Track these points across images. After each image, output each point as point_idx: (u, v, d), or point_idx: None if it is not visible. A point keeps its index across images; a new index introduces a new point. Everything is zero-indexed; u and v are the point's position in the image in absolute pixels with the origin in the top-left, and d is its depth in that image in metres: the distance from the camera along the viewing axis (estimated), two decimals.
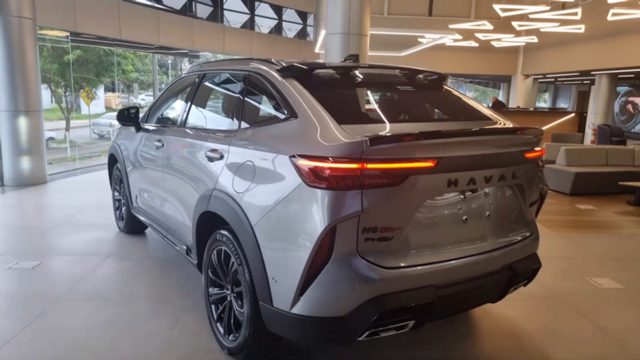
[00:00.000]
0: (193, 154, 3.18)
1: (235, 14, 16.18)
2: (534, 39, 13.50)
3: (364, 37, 7.31)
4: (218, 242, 2.77)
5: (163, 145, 3.69)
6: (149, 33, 10.75)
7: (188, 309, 3.36)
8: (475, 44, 14.27)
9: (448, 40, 13.18)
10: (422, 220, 2.26)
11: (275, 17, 18.29)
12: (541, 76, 19.13)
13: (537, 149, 2.78)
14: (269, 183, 2.38)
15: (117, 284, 3.84)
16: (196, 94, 3.54)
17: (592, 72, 16.21)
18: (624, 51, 12.97)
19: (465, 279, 2.42)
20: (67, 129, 21.14)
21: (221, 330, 2.82)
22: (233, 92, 3.17)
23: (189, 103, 3.57)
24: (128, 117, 4.24)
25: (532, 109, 14.78)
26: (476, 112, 3.01)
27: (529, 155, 2.62)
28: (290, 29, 19.05)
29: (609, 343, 3.07)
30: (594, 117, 17.29)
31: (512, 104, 18.31)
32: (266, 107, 2.76)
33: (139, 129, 4.29)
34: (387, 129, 2.40)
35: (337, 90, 2.79)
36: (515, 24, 11.41)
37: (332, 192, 2.09)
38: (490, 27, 11.42)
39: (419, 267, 2.27)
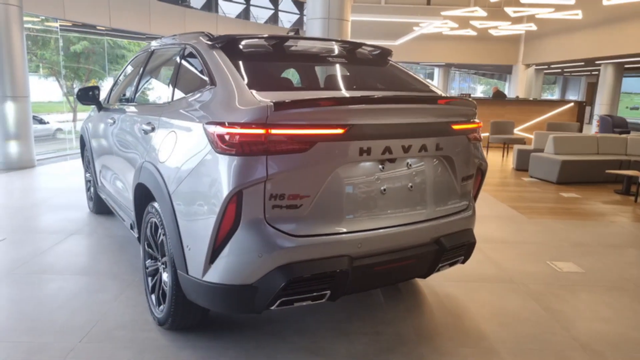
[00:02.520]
0: (134, 128, 3.20)
1: (231, 4, 16.18)
2: (532, 27, 13.26)
3: (345, 22, 7.26)
4: (150, 214, 2.79)
5: (115, 122, 3.72)
6: (139, 22, 10.80)
7: (134, 283, 3.38)
8: (473, 33, 14.07)
9: (445, 28, 13.01)
10: (334, 188, 2.24)
11: (272, 7, 18.26)
12: (545, 66, 18.82)
13: (474, 121, 2.74)
14: (186, 151, 2.38)
15: (73, 259, 3.88)
16: (144, 71, 3.56)
17: (597, 62, 15.91)
18: (628, 38, 12.67)
19: (384, 250, 2.40)
20: (74, 120, 21.42)
21: (154, 301, 2.84)
22: (171, 65, 3.17)
23: (138, 79, 3.59)
24: (91, 97, 4.27)
25: (531, 99, 14.54)
26: (416, 86, 2.97)
27: (457, 127, 2.58)
28: (290, 20, 19.04)
29: (551, 324, 3.03)
30: (599, 108, 16.98)
31: (514, 95, 18.09)
32: (195, 78, 2.76)
33: (100, 108, 4.32)
34: (302, 96, 2.38)
35: (262, 60, 2.77)
36: (509, 10, 11.22)
37: (237, 157, 2.08)
38: (483, 14, 11.23)
39: (330, 236, 2.25)
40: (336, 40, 3.10)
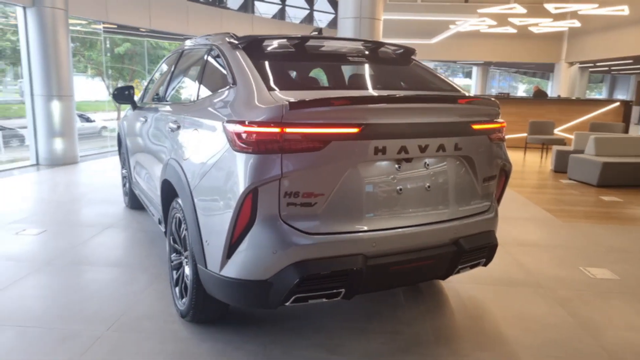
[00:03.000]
0: (162, 127, 3.32)
1: (267, 4, 16.41)
2: (575, 24, 12.75)
3: (377, 21, 7.23)
4: (174, 209, 2.88)
5: (146, 120, 3.86)
6: (178, 23, 11.15)
7: (162, 276, 3.50)
8: (512, 30, 13.65)
9: (483, 26, 12.70)
10: (349, 187, 2.25)
11: (307, 7, 18.42)
12: (590, 64, 18.05)
13: (497, 121, 2.69)
14: (207, 148, 2.46)
15: (107, 251, 4.06)
16: (174, 70, 3.67)
17: None
18: None
19: (399, 250, 2.39)
20: (118, 118, 22.29)
21: (177, 294, 2.93)
22: (197, 65, 3.26)
23: (168, 79, 3.71)
24: (126, 96, 4.43)
25: (573, 98, 13.98)
26: (439, 85, 2.94)
27: (477, 126, 2.54)
28: (321, 20, 19.16)
29: (578, 331, 2.93)
30: None
31: (556, 94, 17.46)
32: (218, 78, 2.83)
33: (134, 107, 4.49)
34: (319, 96, 2.40)
35: (283, 60, 2.81)
36: (549, 6, 10.80)
37: (253, 155, 2.13)
38: (522, 10, 10.88)
39: (344, 235, 2.26)
40: (359, 40, 3.11)
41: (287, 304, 2.30)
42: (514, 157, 10.74)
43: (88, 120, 19.71)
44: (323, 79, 2.81)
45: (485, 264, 2.87)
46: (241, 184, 2.14)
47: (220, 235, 2.26)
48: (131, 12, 10.29)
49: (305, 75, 2.95)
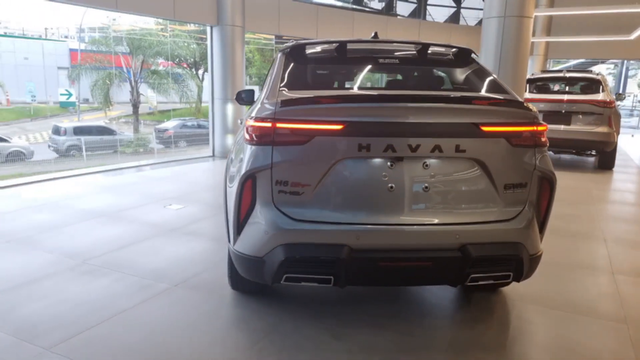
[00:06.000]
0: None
1: (440, 8, 16.17)
2: None
3: (526, 19, 6.66)
4: None
5: None
6: (343, 31, 11.97)
7: None
8: None
9: None
10: (335, 180, 2.39)
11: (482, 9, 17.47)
12: None
13: (525, 123, 2.45)
14: (238, 142, 2.87)
15: (214, 227, 4.83)
16: (267, 75, 4.20)
17: None
18: None
19: (389, 247, 2.42)
20: None
21: None
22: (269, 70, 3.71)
23: (263, 82, 4.27)
24: (243, 98, 5.15)
25: None
26: (478, 86, 2.79)
27: (488, 128, 2.36)
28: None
29: None
30: None
31: None
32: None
33: None
34: (317, 94, 2.57)
35: (313, 63, 3.03)
36: None
37: (252, 146, 2.47)
38: None
39: (329, 225, 2.41)
40: (409, 43, 3.12)
41: (281, 282, 2.55)
42: None
43: None
44: (345, 80, 2.94)
45: (516, 280, 2.61)
46: (244, 170, 2.50)
47: (233, 213, 2.64)
48: (300, 25, 11.50)
49: (328, 77, 3.12)
